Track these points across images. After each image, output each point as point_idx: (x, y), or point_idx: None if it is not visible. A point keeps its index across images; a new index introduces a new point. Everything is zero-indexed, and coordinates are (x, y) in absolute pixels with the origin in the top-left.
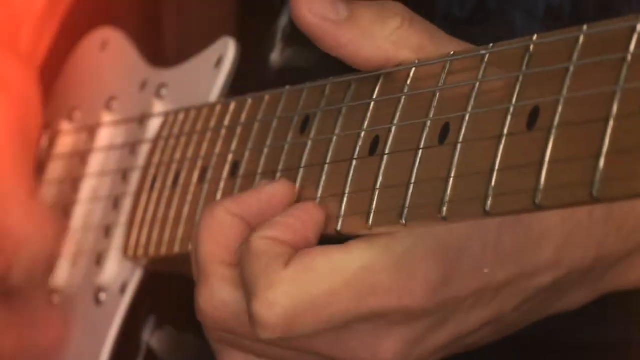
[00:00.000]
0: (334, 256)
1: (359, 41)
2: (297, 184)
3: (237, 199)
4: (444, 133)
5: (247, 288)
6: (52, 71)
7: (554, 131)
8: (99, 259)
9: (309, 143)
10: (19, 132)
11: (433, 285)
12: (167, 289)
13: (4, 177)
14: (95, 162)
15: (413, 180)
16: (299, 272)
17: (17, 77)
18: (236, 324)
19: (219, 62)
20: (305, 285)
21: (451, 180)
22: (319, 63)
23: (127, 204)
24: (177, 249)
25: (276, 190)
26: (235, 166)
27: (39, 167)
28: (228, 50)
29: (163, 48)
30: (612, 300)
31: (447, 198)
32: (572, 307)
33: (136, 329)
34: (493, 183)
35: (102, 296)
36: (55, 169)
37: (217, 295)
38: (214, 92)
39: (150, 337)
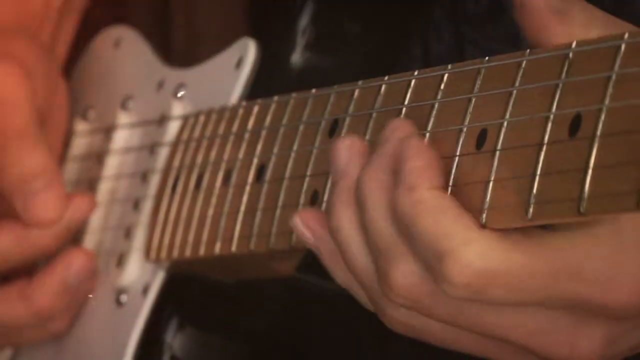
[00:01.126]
0: (529, 237)
1: (560, 36)
2: (326, 192)
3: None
4: (481, 139)
5: (430, 248)
6: (65, 69)
7: (597, 139)
8: (119, 261)
9: None
10: (37, 119)
11: None
12: (189, 291)
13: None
14: (113, 164)
15: (450, 184)
16: (498, 239)
17: (40, 66)
18: (429, 300)
19: (239, 63)
20: (504, 251)
21: (490, 185)
22: (340, 65)
23: (147, 206)
24: (202, 251)
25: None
26: (261, 170)
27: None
28: (249, 51)
29: (175, 47)
30: None
31: (486, 205)
32: None
33: (159, 331)
34: (534, 190)
35: (124, 298)
36: (71, 171)
37: (412, 271)
38: (235, 94)
39: (173, 339)
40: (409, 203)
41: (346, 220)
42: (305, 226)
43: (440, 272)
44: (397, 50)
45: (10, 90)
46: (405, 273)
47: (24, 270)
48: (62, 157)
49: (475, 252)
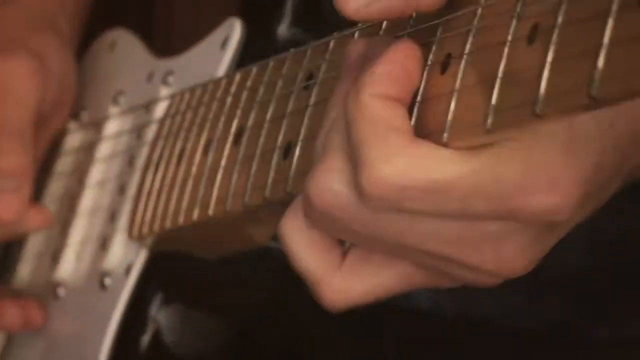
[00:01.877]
0: (453, 152)
1: None
2: (299, 144)
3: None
4: (447, 63)
5: (355, 150)
6: None
7: (553, 42)
8: (104, 244)
9: (312, 99)
10: (40, 110)
11: (567, 187)
12: (173, 267)
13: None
14: (103, 150)
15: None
16: (422, 155)
17: (48, 46)
18: (347, 203)
19: (224, 43)
20: (425, 168)
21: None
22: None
23: (132, 190)
24: (181, 220)
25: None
26: (239, 132)
27: (47, 164)
28: (234, 30)
29: (170, 39)
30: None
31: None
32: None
33: (143, 306)
34: (493, 100)
35: (107, 281)
36: (63, 163)
37: (329, 184)
38: (220, 72)
39: (158, 313)
40: (352, 105)
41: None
42: None
43: (358, 180)
44: None
45: (20, 85)
46: (330, 171)
47: None
48: (46, 153)
49: (393, 168)
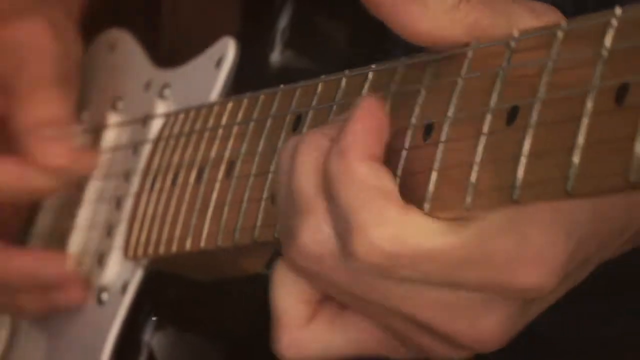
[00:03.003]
0: (441, 222)
1: (417, 13)
2: None
3: (333, 122)
4: (428, 132)
5: (345, 216)
6: None
7: (531, 126)
8: (100, 259)
9: None
10: (61, 68)
11: (553, 265)
12: (168, 289)
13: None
14: (100, 163)
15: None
16: (413, 223)
17: (64, 25)
18: (333, 263)
19: (219, 62)
20: (417, 237)
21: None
22: (318, 64)
23: (128, 205)
24: (174, 248)
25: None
26: (231, 166)
27: None
28: (228, 50)
29: (166, 48)
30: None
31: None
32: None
33: (137, 329)
34: (473, 180)
35: (105, 296)
36: None
37: (322, 228)
38: (214, 92)
39: (151, 337)
40: (337, 168)
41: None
42: None
43: (348, 244)
44: (378, 51)
45: (43, 42)
46: (314, 229)
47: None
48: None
49: (387, 234)
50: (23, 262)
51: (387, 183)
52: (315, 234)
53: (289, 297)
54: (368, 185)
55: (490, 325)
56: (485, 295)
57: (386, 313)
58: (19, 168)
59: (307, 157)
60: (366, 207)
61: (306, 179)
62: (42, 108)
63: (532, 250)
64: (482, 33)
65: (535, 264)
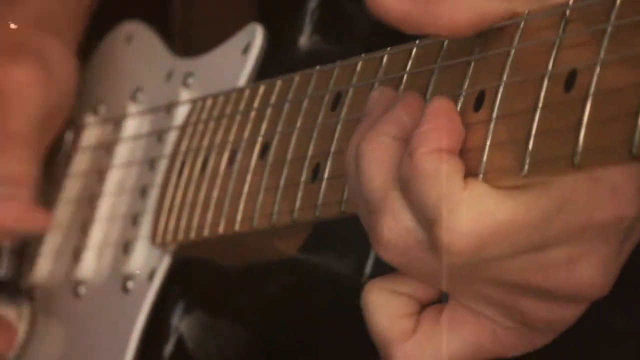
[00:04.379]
0: (505, 189)
1: (450, 7)
2: (328, 166)
3: (388, 120)
4: (479, 101)
5: (423, 213)
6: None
7: (591, 94)
8: (126, 248)
9: (340, 121)
10: (43, 116)
11: (626, 195)
12: (195, 275)
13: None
14: (122, 153)
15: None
16: (480, 196)
17: (51, 50)
18: (419, 250)
19: (246, 49)
20: (487, 209)
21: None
22: (347, 48)
23: (154, 193)
24: (206, 233)
25: (416, 99)
26: (265, 148)
27: (65, 161)
28: (256, 36)
29: (188, 37)
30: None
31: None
32: None
33: (165, 315)
34: (530, 148)
35: (130, 284)
36: (81, 162)
37: (401, 222)
38: (242, 79)
39: (180, 322)
40: (406, 167)
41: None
42: None
43: (434, 241)
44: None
45: (25, 93)
46: (393, 224)
47: None
48: (46, 157)
49: (465, 217)
50: None
51: (450, 163)
52: (395, 228)
53: (387, 315)
54: (436, 175)
55: (588, 270)
56: (574, 244)
57: (485, 287)
58: None
59: (373, 156)
60: (439, 198)
61: (375, 178)
62: (3, 166)
63: (603, 185)
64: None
65: (608, 197)
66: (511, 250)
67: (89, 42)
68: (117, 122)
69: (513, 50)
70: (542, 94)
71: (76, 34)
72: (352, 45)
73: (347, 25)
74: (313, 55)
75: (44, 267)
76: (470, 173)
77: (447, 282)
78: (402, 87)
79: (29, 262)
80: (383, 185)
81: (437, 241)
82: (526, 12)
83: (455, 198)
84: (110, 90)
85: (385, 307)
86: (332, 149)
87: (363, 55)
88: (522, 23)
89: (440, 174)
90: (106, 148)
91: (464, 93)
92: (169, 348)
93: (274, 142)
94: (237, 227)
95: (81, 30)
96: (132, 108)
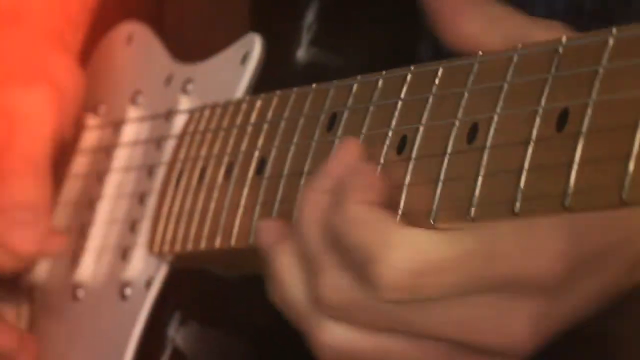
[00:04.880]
0: (443, 231)
1: (466, 17)
2: None
3: (321, 173)
4: (473, 133)
5: (358, 257)
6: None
7: (583, 134)
8: (124, 254)
9: (337, 141)
10: (56, 137)
11: (559, 254)
12: (192, 285)
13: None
14: (121, 157)
15: (441, 180)
16: (418, 235)
17: (62, 69)
18: (358, 306)
19: (244, 59)
20: (426, 248)
21: (480, 181)
22: (345, 62)
23: (152, 200)
24: (203, 245)
25: (351, 149)
26: (261, 163)
27: (65, 161)
28: (254, 46)
29: (184, 42)
30: None
31: (475, 199)
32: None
33: (161, 325)
34: (522, 185)
35: (128, 291)
36: (80, 164)
37: (337, 281)
38: (240, 89)
39: (176, 333)
40: (338, 218)
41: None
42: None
43: (370, 279)
44: (406, 50)
45: (40, 115)
46: (333, 283)
47: None
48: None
49: (400, 254)
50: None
51: (386, 214)
52: (333, 286)
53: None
54: (368, 220)
55: (519, 327)
56: (508, 299)
57: (421, 342)
58: None
59: (309, 215)
60: (376, 241)
61: (312, 239)
62: (20, 192)
63: (539, 241)
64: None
65: (543, 254)
66: (441, 291)
67: (88, 41)
68: (116, 125)
69: (506, 85)
70: (535, 131)
71: (78, 42)
72: (352, 62)
73: (347, 40)
74: (312, 69)
75: (43, 268)
76: (420, 214)
77: (387, 338)
78: (396, 112)
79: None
80: (321, 247)
81: (372, 277)
82: (519, 46)
83: (391, 237)
84: (110, 90)
85: (369, 216)
86: None
87: (358, 77)
88: (516, 57)
89: (373, 218)
90: (106, 151)
91: (457, 124)
92: (164, 358)
93: (271, 158)
94: (233, 242)
95: (82, 37)
96: (132, 111)
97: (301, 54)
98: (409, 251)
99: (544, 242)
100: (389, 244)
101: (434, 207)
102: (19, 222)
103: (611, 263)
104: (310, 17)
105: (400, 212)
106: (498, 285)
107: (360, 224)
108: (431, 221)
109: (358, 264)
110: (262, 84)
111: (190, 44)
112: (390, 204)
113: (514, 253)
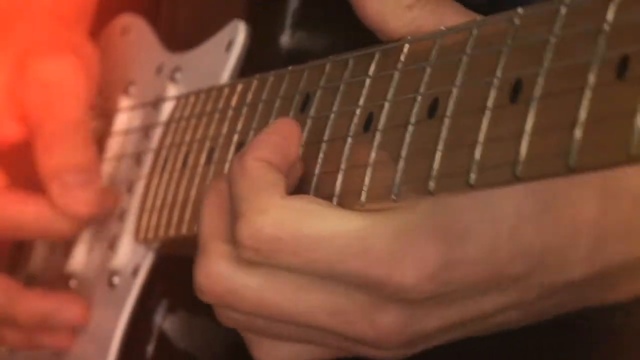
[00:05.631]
0: (334, 210)
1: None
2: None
3: (259, 143)
4: (433, 107)
5: (235, 206)
6: None
7: (534, 103)
8: (112, 244)
9: (309, 121)
10: (89, 101)
11: (429, 269)
12: (179, 272)
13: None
14: (113, 147)
15: (403, 156)
16: (296, 209)
17: (82, 42)
18: (232, 299)
19: (229, 46)
20: (298, 222)
21: (438, 154)
22: (328, 46)
23: (140, 188)
24: (184, 230)
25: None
26: (240, 146)
27: None
28: (238, 33)
29: (176, 32)
30: None
31: (434, 172)
32: (629, 297)
33: (148, 313)
34: (477, 156)
35: (116, 280)
36: None
37: (214, 269)
38: (225, 75)
39: (163, 320)
40: (235, 166)
41: None
42: None
43: (234, 232)
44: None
45: (73, 82)
46: (205, 268)
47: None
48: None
49: (269, 220)
50: (37, 304)
51: (276, 177)
52: (207, 272)
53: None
54: (256, 177)
55: (385, 324)
56: (375, 295)
57: (297, 331)
58: (39, 209)
59: (210, 204)
60: (251, 196)
61: (206, 222)
62: (68, 155)
63: (411, 251)
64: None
65: (411, 266)
66: (304, 265)
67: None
68: (108, 116)
69: (465, 57)
70: (490, 102)
71: (87, 27)
72: (335, 44)
73: (331, 25)
74: (296, 53)
75: (38, 258)
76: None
77: (259, 325)
78: (364, 90)
79: (26, 252)
80: (208, 231)
81: (236, 234)
82: (477, 20)
83: (268, 200)
84: (105, 82)
85: (260, 175)
86: (300, 150)
87: (331, 56)
88: (475, 30)
89: (261, 178)
90: (98, 142)
91: (419, 99)
92: (151, 346)
93: (248, 141)
94: None
95: (89, 23)
96: (124, 101)
97: (288, 38)
98: (275, 217)
99: (421, 253)
100: (263, 206)
101: (396, 181)
102: (73, 185)
103: (524, 285)
104: (295, 1)
105: (364, 190)
106: (362, 282)
107: (246, 177)
108: (362, 200)
109: (233, 216)
110: (247, 69)
111: (187, 34)
112: (290, 173)
113: (386, 256)
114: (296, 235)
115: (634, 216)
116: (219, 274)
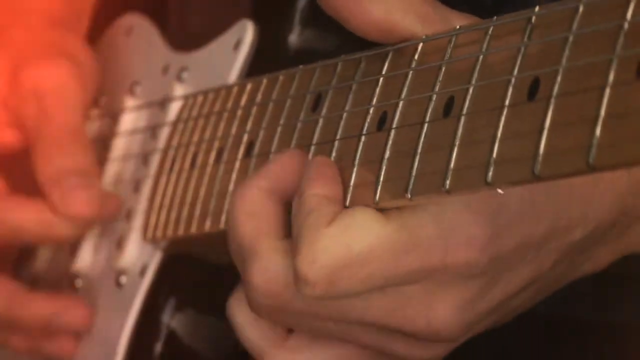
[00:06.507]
0: (373, 215)
1: (367, 3)
2: None
3: (261, 173)
4: (449, 106)
5: (293, 246)
6: None
7: (553, 101)
8: (119, 243)
9: (321, 121)
10: (84, 107)
11: (479, 242)
12: (186, 271)
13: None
14: (119, 147)
15: (418, 153)
16: (340, 229)
17: (77, 47)
18: (289, 295)
19: (237, 45)
20: (344, 242)
21: (455, 151)
22: (337, 45)
23: (147, 188)
24: (194, 229)
25: (293, 155)
26: (250, 146)
27: None
28: (246, 32)
29: (183, 31)
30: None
31: (450, 170)
32: (597, 269)
33: (156, 311)
34: (494, 154)
35: (123, 279)
36: None
37: (270, 267)
38: (233, 75)
39: (171, 319)
40: (295, 205)
41: None
42: None
43: (294, 275)
44: None
45: (67, 88)
46: (262, 269)
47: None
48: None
49: (319, 249)
50: (41, 308)
51: (327, 206)
52: (265, 272)
53: (253, 326)
54: (310, 212)
55: (444, 312)
56: (430, 285)
57: (351, 330)
58: (40, 214)
59: (239, 206)
60: (306, 233)
61: (245, 226)
62: (66, 160)
63: (457, 230)
64: (432, 26)
65: (462, 243)
66: (364, 285)
67: (91, 35)
68: (114, 116)
69: (481, 57)
70: (507, 100)
71: (84, 28)
72: (341, 45)
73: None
74: (304, 52)
75: (43, 258)
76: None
77: (317, 328)
78: (377, 89)
79: (31, 251)
80: (252, 233)
81: (294, 271)
82: (494, 18)
83: (318, 233)
84: (110, 82)
85: (253, 319)
86: (312, 149)
87: (343, 56)
88: (491, 29)
89: (315, 212)
90: (103, 141)
91: (434, 97)
92: (159, 344)
93: (259, 140)
94: (222, 225)
95: (85, 27)
96: (130, 101)
97: (296, 37)
98: (331, 245)
99: (466, 230)
100: (315, 238)
101: (411, 179)
102: (74, 188)
103: (543, 253)
104: (302, 1)
105: (379, 186)
106: (420, 276)
107: (305, 214)
108: (376, 199)
109: (292, 253)
110: (255, 68)
111: (194, 34)
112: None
113: (435, 242)
114: (347, 255)
115: (616, 178)
116: (276, 271)
